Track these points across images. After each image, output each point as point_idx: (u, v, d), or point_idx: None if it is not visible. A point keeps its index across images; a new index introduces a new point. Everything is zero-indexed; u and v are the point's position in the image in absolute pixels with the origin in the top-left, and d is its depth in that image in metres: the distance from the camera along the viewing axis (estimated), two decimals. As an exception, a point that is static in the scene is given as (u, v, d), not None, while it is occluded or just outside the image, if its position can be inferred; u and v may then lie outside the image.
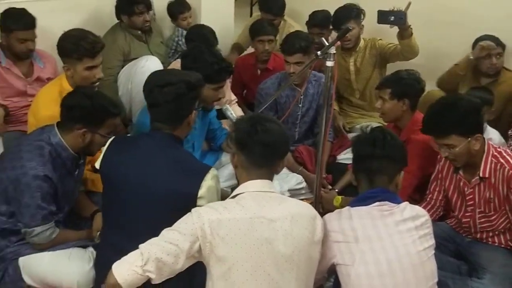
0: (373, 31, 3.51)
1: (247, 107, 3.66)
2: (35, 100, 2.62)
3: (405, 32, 3.14)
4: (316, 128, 3.18)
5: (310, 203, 2.83)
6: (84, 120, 2.14)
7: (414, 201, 2.53)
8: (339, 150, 3.16)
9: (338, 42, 3.63)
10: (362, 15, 3.40)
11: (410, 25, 3.11)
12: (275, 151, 1.74)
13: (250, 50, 3.96)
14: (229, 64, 2.64)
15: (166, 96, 1.93)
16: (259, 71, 3.68)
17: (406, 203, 1.83)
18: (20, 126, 3.07)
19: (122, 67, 3.47)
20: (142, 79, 3.27)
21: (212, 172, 1.91)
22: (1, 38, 3.02)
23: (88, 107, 2.13)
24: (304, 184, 2.96)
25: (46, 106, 2.45)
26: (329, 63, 2.06)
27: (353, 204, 1.84)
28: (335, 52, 2.06)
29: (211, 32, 3.49)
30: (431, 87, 3.35)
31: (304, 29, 3.96)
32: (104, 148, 2.04)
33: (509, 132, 2.89)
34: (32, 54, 3.09)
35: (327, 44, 2.08)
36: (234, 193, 1.74)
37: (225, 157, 2.90)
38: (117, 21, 3.60)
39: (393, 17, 3.02)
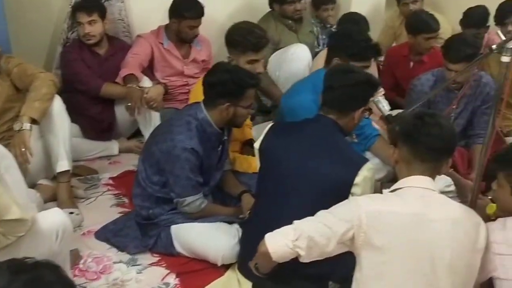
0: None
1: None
2: (197, 85, 2.77)
3: None
4: (470, 130, 2.96)
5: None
6: (226, 95, 2.21)
7: None
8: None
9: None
10: None
11: None
12: (442, 145, 1.65)
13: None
14: (377, 43, 2.58)
15: (346, 80, 1.97)
16: (411, 64, 3.51)
17: None
18: (175, 104, 3.30)
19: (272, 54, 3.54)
20: (290, 67, 3.40)
21: (370, 164, 1.91)
22: (170, 22, 3.24)
23: (228, 81, 2.20)
24: (452, 187, 2.77)
25: None
26: (505, 59, 1.87)
27: (522, 214, 1.68)
28: (512, 46, 1.87)
29: (364, 19, 3.45)
30: None
31: (448, 20, 3.84)
32: (265, 130, 2.12)
33: None
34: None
35: (503, 38, 1.90)
36: (393, 187, 1.69)
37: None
38: (269, 9, 3.67)
39: None
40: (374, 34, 4.02)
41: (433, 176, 1.68)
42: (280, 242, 1.60)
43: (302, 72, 3.30)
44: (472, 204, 2.23)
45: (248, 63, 2.59)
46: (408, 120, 1.73)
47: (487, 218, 2.05)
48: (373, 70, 3.27)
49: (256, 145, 2.12)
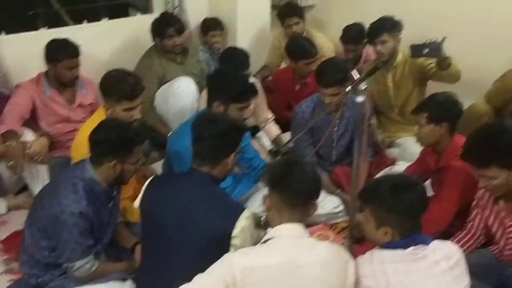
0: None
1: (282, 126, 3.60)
2: (78, 136, 2.68)
3: (443, 64, 3.01)
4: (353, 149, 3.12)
5: (347, 226, 2.85)
6: (113, 153, 2.18)
7: (454, 227, 2.47)
8: (377, 169, 3.07)
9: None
10: (398, 28, 3.29)
11: (447, 56, 2.95)
12: (309, 188, 1.76)
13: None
14: (253, 85, 2.67)
15: (213, 130, 2.02)
16: (297, 86, 3.62)
17: (436, 241, 1.80)
18: (65, 152, 3.16)
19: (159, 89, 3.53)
20: (177, 101, 3.41)
21: (247, 212, 1.94)
22: (47, 68, 3.10)
23: (114, 139, 2.16)
24: (341, 207, 2.92)
25: (86, 144, 2.51)
26: (359, 99, 2.01)
27: (386, 246, 1.80)
28: (366, 87, 2.01)
29: (245, 55, 3.50)
30: (473, 100, 3.24)
31: (327, 38, 4.02)
32: (144, 186, 2.11)
33: None
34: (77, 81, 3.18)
35: (357, 76, 2.03)
36: (266, 237, 1.76)
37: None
38: (152, 43, 3.64)
39: (427, 50, 2.85)
40: (262, 54, 4.15)
41: (303, 221, 1.78)
42: None
43: (190, 106, 3.34)
44: (352, 222, 2.35)
45: (124, 111, 2.55)
46: (276, 168, 1.82)
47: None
48: (260, 98, 3.37)
49: (136, 203, 2.10)
